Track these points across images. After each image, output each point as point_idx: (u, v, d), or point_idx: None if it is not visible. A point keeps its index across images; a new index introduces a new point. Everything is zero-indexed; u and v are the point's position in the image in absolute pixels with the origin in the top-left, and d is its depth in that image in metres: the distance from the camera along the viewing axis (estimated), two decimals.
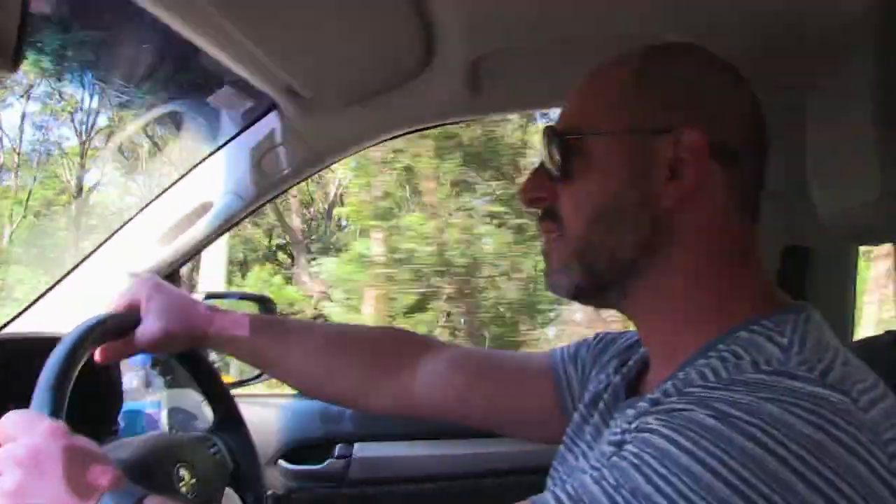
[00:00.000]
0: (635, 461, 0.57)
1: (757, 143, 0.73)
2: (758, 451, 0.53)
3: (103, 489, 0.71)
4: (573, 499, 0.58)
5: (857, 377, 0.61)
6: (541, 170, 0.77)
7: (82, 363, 0.85)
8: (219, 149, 1.49)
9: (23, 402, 0.80)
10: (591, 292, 0.76)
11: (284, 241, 10.30)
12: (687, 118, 0.69)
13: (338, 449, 1.67)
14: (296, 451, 1.68)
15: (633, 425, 0.63)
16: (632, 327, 0.82)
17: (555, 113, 0.84)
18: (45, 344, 0.87)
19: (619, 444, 0.63)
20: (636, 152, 0.71)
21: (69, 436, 0.75)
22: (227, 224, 1.56)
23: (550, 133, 0.74)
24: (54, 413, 0.78)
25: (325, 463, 1.67)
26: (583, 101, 0.76)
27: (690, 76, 0.73)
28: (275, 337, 1.04)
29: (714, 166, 0.69)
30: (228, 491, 1.13)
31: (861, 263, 1.35)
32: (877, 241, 0.86)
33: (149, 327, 0.97)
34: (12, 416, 0.76)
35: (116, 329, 0.96)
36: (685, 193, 0.69)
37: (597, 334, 0.98)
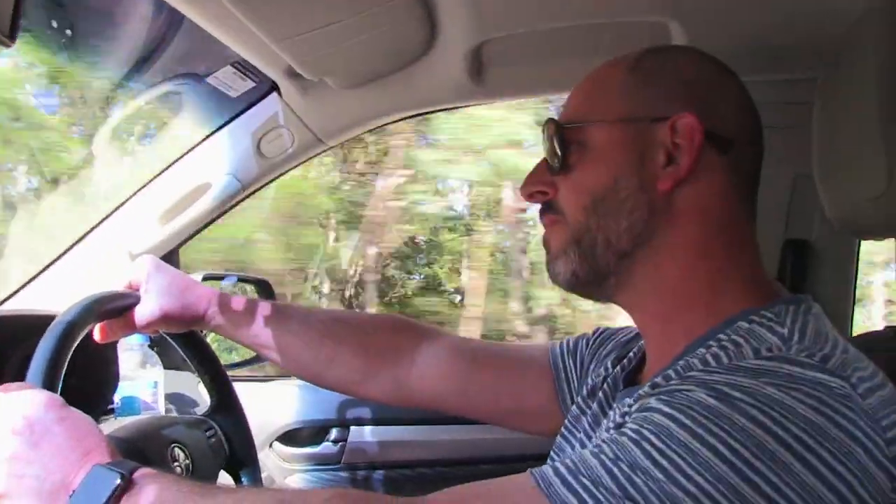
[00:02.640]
0: (634, 436, 0.57)
1: (751, 133, 0.75)
2: (757, 430, 0.54)
3: (96, 460, 0.72)
4: (572, 471, 0.58)
5: (856, 365, 0.61)
6: (542, 164, 0.78)
7: (79, 340, 0.85)
8: (218, 130, 1.49)
9: (19, 377, 0.81)
10: (589, 281, 0.76)
11: None
12: (683, 108, 0.71)
13: (333, 432, 1.68)
14: (291, 434, 1.68)
15: (634, 408, 0.64)
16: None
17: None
18: (41, 321, 0.87)
19: (620, 426, 0.64)
20: (634, 139, 0.73)
21: (65, 408, 0.76)
22: (226, 205, 1.55)
23: (552, 125, 0.76)
24: (49, 386, 0.79)
25: (321, 446, 1.68)
26: (582, 95, 0.79)
27: (685, 70, 0.75)
28: (273, 321, 1.04)
29: (709, 153, 0.71)
30: (223, 474, 1.13)
31: None
32: (879, 235, 0.86)
33: (147, 307, 0.98)
34: (8, 387, 0.77)
35: (115, 308, 0.96)
36: (681, 179, 0.71)
37: (596, 329, 0.98)
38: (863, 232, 0.90)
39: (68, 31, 1.59)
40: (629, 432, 0.58)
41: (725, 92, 0.75)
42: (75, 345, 0.85)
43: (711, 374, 0.60)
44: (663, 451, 0.55)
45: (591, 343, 0.96)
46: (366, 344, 1.05)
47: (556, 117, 0.78)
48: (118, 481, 0.69)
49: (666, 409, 0.58)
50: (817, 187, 0.85)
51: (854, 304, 1.31)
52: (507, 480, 0.63)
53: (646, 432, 0.57)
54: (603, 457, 0.58)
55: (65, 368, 0.82)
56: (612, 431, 0.62)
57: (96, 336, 0.97)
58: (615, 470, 0.56)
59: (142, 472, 0.71)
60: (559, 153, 0.75)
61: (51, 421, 0.74)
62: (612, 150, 0.73)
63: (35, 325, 0.87)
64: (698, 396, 0.57)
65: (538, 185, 0.78)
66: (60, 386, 0.81)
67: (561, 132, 0.75)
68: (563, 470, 0.59)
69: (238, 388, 1.17)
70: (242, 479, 1.15)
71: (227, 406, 1.16)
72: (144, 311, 0.98)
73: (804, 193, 1.22)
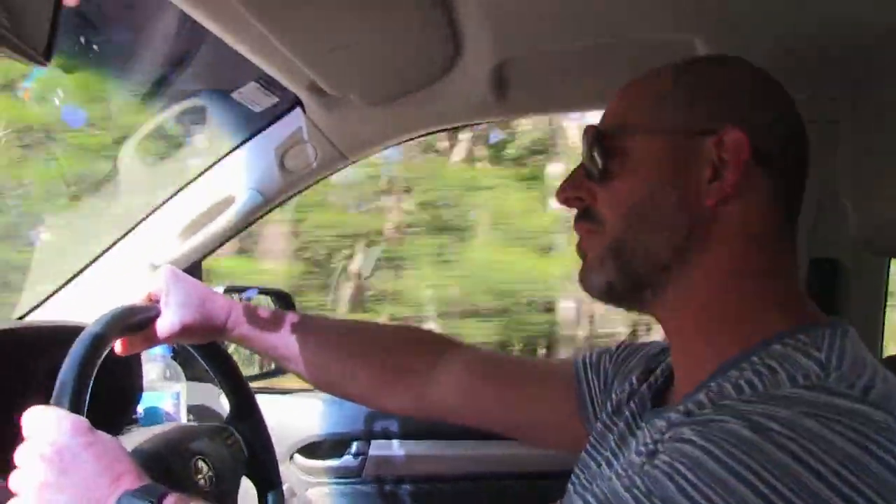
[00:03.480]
0: (668, 470, 0.56)
1: (797, 150, 0.72)
2: (795, 465, 0.52)
3: (126, 486, 0.72)
4: (602, 503, 0.57)
5: None
6: (580, 170, 0.76)
7: (103, 356, 0.86)
8: (242, 144, 1.50)
9: (45, 390, 0.81)
10: (624, 292, 0.75)
11: None
12: (729, 121, 0.69)
13: (354, 446, 1.68)
14: (313, 446, 1.69)
15: (667, 435, 0.63)
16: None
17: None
18: (66, 333, 0.88)
19: (652, 454, 0.62)
20: (678, 152, 0.70)
21: (92, 432, 0.76)
22: (249, 219, 1.56)
23: (592, 132, 0.74)
24: (76, 408, 0.79)
25: (342, 459, 1.68)
26: (627, 102, 0.76)
27: (731, 82, 0.73)
28: (292, 333, 1.04)
29: (755, 170, 0.69)
30: (245, 482, 1.14)
31: None
32: None
33: (168, 319, 0.98)
34: (36, 411, 0.77)
35: (136, 322, 0.96)
36: (725, 195, 0.69)
37: (619, 343, 0.97)
38: (890, 250, 0.88)
39: (95, 47, 1.61)
40: (662, 465, 0.57)
41: (773, 105, 0.72)
42: (99, 362, 0.85)
43: (747, 404, 0.58)
44: (697, 486, 0.53)
45: (614, 357, 0.94)
46: (385, 356, 1.05)
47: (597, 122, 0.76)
48: None
49: (700, 441, 0.56)
50: (845, 206, 0.84)
51: (884, 325, 1.28)
52: None
53: (679, 466, 0.55)
54: (636, 490, 0.56)
55: (90, 387, 0.82)
56: (645, 466, 0.59)
57: (117, 349, 0.97)
58: None
59: (170, 500, 0.72)
60: (598, 160, 0.73)
61: (79, 446, 0.74)
62: (654, 161, 0.71)
63: (59, 337, 0.88)
64: (733, 428, 0.55)
65: (575, 191, 0.76)
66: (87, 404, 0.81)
67: (601, 139, 0.73)
68: (593, 502, 0.58)
69: (259, 399, 1.18)
70: (263, 487, 1.15)
71: (246, 413, 1.16)
72: (165, 324, 0.98)
73: (830, 211, 1.21)
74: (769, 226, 0.70)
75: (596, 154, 0.73)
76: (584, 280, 0.76)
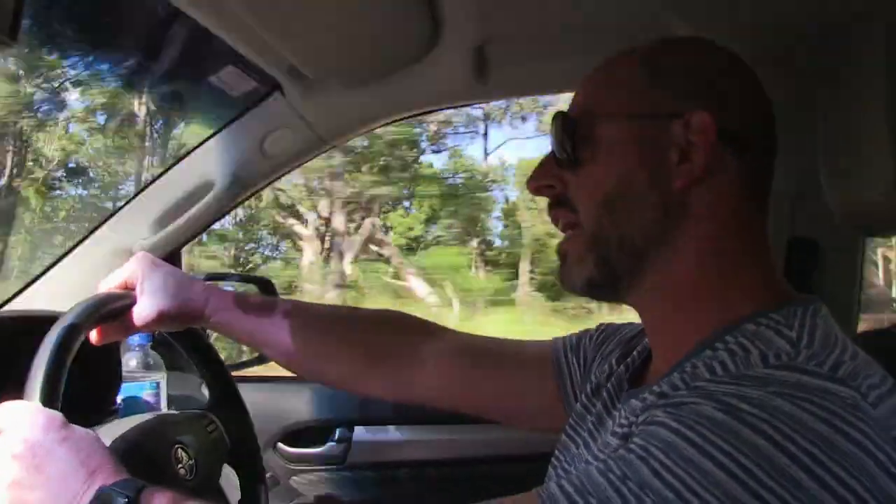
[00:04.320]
0: (642, 454, 0.56)
1: (765, 131, 0.73)
2: (767, 446, 0.52)
3: (101, 481, 0.71)
4: (579, 490, 0.57)
5: (866, 372, 0.60)
6: (550, 157, 0.76)
7: (77, 347, 0.84)
8: (221, 129, 1.48)
9: (18, 381, 0.80)
10: (604, 284, 0.75)
11: None
12: (696, 104, 0.69)
13: (338, 432, 1.68)
14: (296, 433, 1.68)
15: (641, 418, 0.63)
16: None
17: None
18: (41, 322, 0.86)
19: (626, 437, 0.63)
20: (647, 136, 0.71)
21: (66, 427, 0.75)
22: (229, 205, 1.55)
23: (562, 119, 0.74)
24: (49, 402, 0.77)
25: (326, 446, 1.67)
26: (594, 88, 0.76)
27: (699, 65, 0.73)
28: (271, 318, 1.03)
29: (723, 151, 0.69)
30: (227, 470, 1.13)
31: None
32: (886, 233, 0.85)
33: (143, 307, 0.96)
34: (7, 406, 0.76)
35: (111, 310, 0.94)
36: (695, 177, 0.69)
37: (599, 325, 0.97)
38: (870, 230, 0.89)
39: (69, 33, 1.59)
40: (637, 449, 0.57)
41: (739, 85, 0.72)
42: (73, 353, 0.83)
43: (719, 385, 0.58)
44: (671, 468, 0.54)
45: (594, 339, 0.95)
46: (366, 340, 1.04)
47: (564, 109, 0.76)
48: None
49: (673, 424, 0.56)
50: (823, 185, 0.85)
51: (860, 304, 1.30)
52: (512, 501, 0.62)
53: (653, 449, 0.56)
54: (611, 475, 0.57)
55: (64, 380, 0.80)
56: (619, 450, 0.59)
57: (93, 339, 0.95)
58: (623, 489, 0.55)
59: (148, 493, 0.70)
60: (568, 147, 0.73)
61: (52, 442, 0.72)
62: (622, 146, 0.71)
63: (33, 327, 0.86)
64: (706, 410, 0.55)
65: (545, 179, 0.76)
66: (61, 397, 0.79)
67: (570, 125, 0.74)
68: (569, 489, 0.58)
69: (241, 388, 1.17)
70: (245, 474, 1.14)
71: (227, 400, 1.15)
72: (141, 311, 0.96)
73: (808, 191, 1.22)
74: (741, 206, 0.71)
75: (565, 141, 0.74)
76: (565, 278, 0.77)
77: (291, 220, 9.89)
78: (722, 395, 0.56)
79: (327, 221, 9.83)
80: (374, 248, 9.98)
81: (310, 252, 9.80)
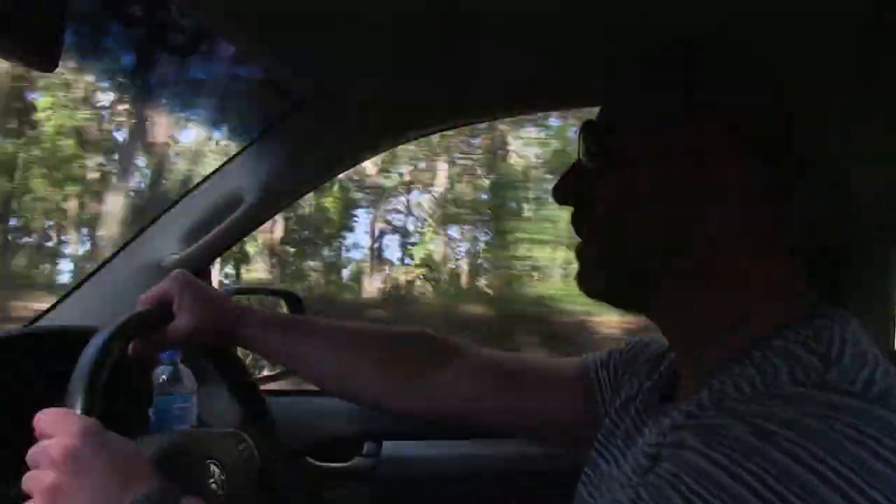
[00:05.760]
0: (672, 480, 0.55)
1: (788, 135, 0.71)
2: (798, 469, 0.51)
3: (138, 489, 0.72)
4: None
5: None
6: (576, 166, 0.77)
7: (114, 359, 0.86)
8: (251, 144, 1.50)
9: (58, 393, 0.81)
10: (623, 292, 0.75)
11: None
12: (721, 115, 0.68)
13: (366, 447, 1.67)
14: (324, 447, 1.69)
15: (668, 438, 0.62)
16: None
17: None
18: (78, 336, 0.88)
19: (655, 458, 0.62)
20: (671, 148, 0.70)
21: (103, 434, 0.76)
22: (257, 220, 1.56)
23: (589, 128, 0.75)
24: (88, 410, 0.79)
25: (353, 460, 1.67)
26: (613, 98, 0.77)
27: (714, 69, 0.72)
28: (299, 335, 1.05)
29: (746, 159, 0.68)
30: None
31: None
32: None
33: (179, 323, 0.99)
34: (47, 413, 0.77)
35: (148, 325, 0.97)
36: (717, 186, 0.68)
37: (629, 341, 0.97)
38: None
39: (103, 47, 1.62)
40: (666, 475, 0.56)
41: (764, 95, 0.71)
42: (111, 365, 0.85)
43: (747, 405, 0.57)
44: (702, 494, 0.53)
45: (623, 354, 0.94)
46: (392, 358, 1.05)
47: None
48: None
49: (702, 447, 0.55)
50: (854, 193, 0.83)
51: (894, 315, 1.27)
52: None
53: (683, 475, 0.55)
54: None
55: (102, 389, 0.82)
56: (648, 475, 0.59)
57: (129, 353, 0.98)
58: None
59: (185, 502, 0.72)
60: (592, 156, 0.74)
61: (91, 448, 0.73)
62: (648, 157, 0.71)
63: (71, 340, 0.88)
64: (734, 433, 0.54)
65: (571, 188, 0.77)
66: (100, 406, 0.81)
67: (596, 136, 0.74)
68: None
69: (270, 401, 1.18)
70: (275, 492, 1.15)
71: (258, 418, 1.16)
72: (177, 327, 0.99)
73: (840, 200, 1.19)
74: (766, 216, 0.69)
75: (592, 150, 0.74)
76: (582, 282, 0.76)
77: None
78: (752, 415, 0.55)
79: None
80: None
81: None
